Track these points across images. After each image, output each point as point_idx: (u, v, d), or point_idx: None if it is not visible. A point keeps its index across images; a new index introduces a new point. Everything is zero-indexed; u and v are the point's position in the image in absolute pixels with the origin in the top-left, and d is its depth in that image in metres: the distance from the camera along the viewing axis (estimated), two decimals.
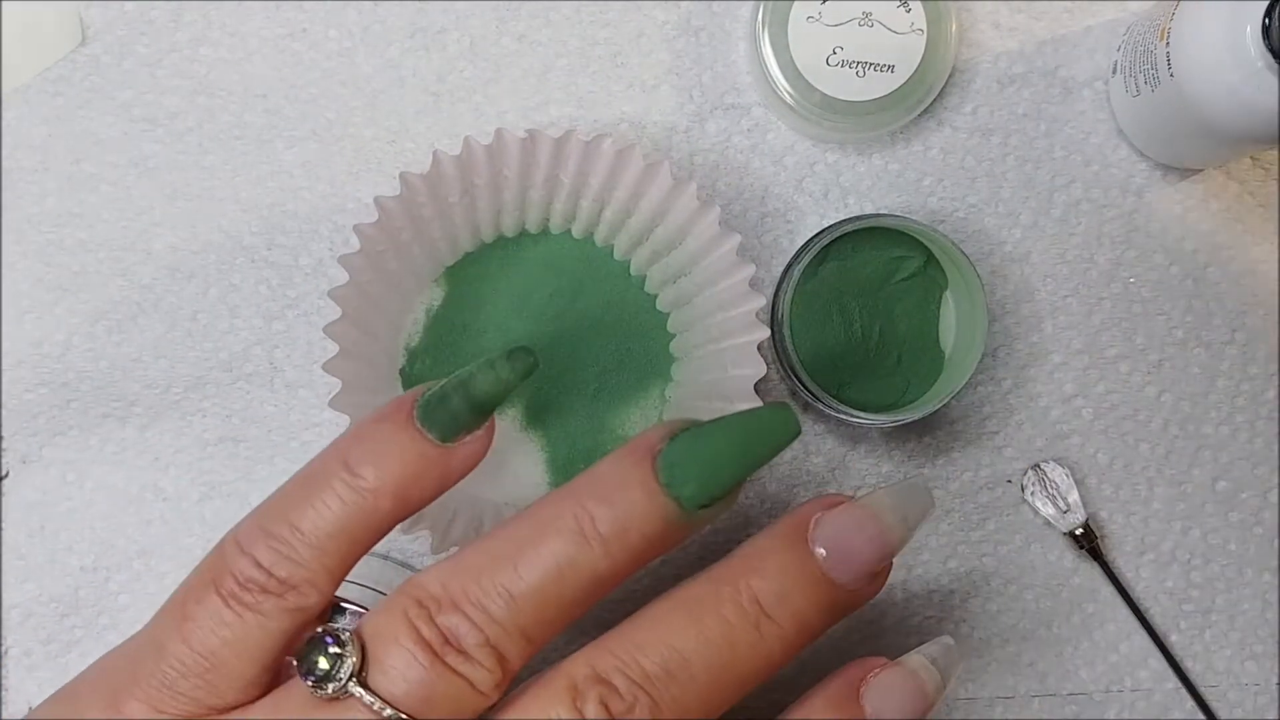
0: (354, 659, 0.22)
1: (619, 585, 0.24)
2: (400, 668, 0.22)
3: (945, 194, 0.39)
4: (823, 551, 0.25)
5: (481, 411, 0.25)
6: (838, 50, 0.36)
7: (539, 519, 0.24)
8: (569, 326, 0.37)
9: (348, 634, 0.23)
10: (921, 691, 0.26)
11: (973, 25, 0.38)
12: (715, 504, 0.24)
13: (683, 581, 0.25)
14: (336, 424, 0.38)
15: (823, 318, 0.37)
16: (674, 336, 0.37)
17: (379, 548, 0.39)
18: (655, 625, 0.24)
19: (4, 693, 0.39)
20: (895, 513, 0.25)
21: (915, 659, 0.26)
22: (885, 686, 0.25)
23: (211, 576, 0.24)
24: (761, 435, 0.24)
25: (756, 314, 0.34)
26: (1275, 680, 0.39)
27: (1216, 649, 0.39)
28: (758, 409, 0.25)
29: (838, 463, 0.38)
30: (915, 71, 0.36)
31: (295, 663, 0.23)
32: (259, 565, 0.23)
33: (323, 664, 0.22)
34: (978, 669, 0.39)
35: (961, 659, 0.26)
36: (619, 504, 0.24)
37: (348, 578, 0.34)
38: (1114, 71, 0.38)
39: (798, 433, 0.25)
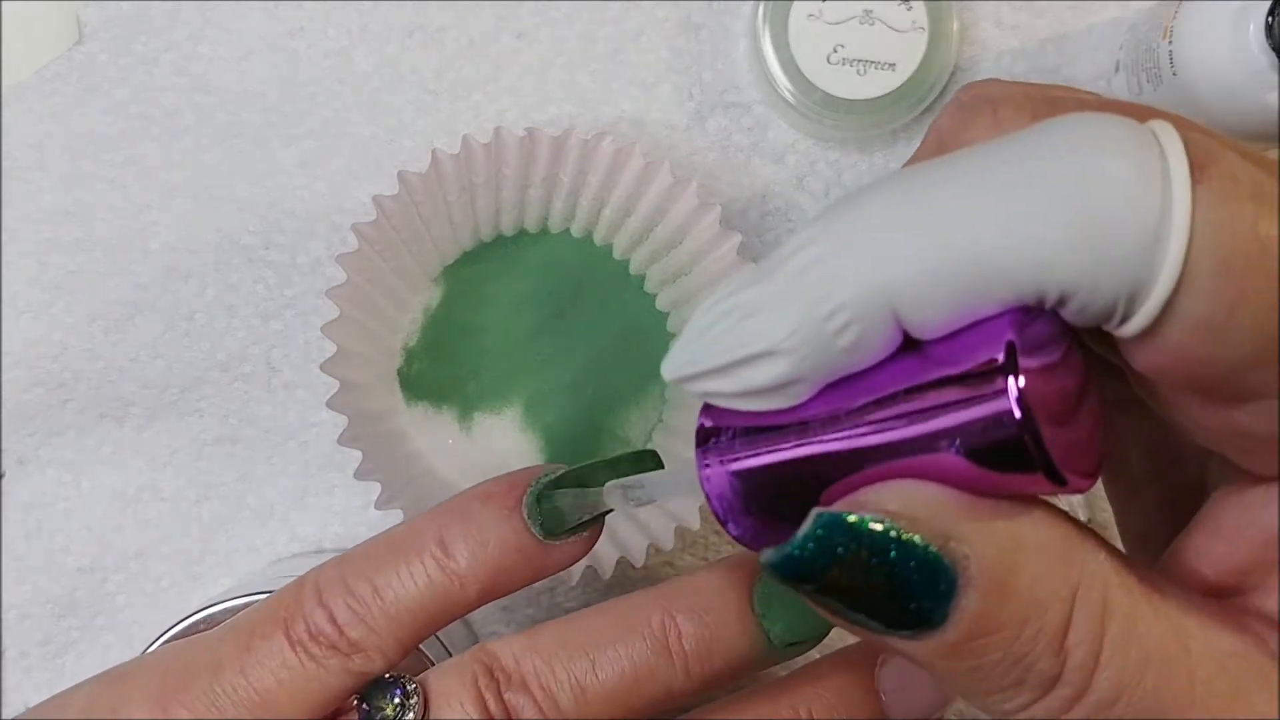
0: (417, 713, 0.23)
1: (687, 705, 0.24)
2: None
3: None
4: (888, 687, 0.24)
5: (595, 516, 0.24)
6: (839, 48, 0.36)
7: (624, 616, 0.23)
8: (568, 326, 0.37)
9: (415, 685, 0.23)
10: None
11: (974, 23, 0.38)
12: (804, 644, 0.24)
13: (745, 691, 0.24)
14: (335, 424, 0.38)
15: None
16: (674, 336, 0.37)
17: None
18: None
19: (1, 694, 0.38)
20: None
21: None
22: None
23: (284, 615, 0.23)
24: None
25: None
26: None
27: None
28: None
29: None
30: (917, 70, 0.36)
31: (357, 701, 0.23)
32: (333, 620, 0.23)
33: (388, 711, 0.23)
34: None
35: None
36: (710, 624, 0.23)
37: None
38: (1116, 70, 0.38)
39: None
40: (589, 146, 0.33)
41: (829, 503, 0.18)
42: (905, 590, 0.17)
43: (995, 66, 0.38)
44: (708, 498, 0.19)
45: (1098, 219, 0.15)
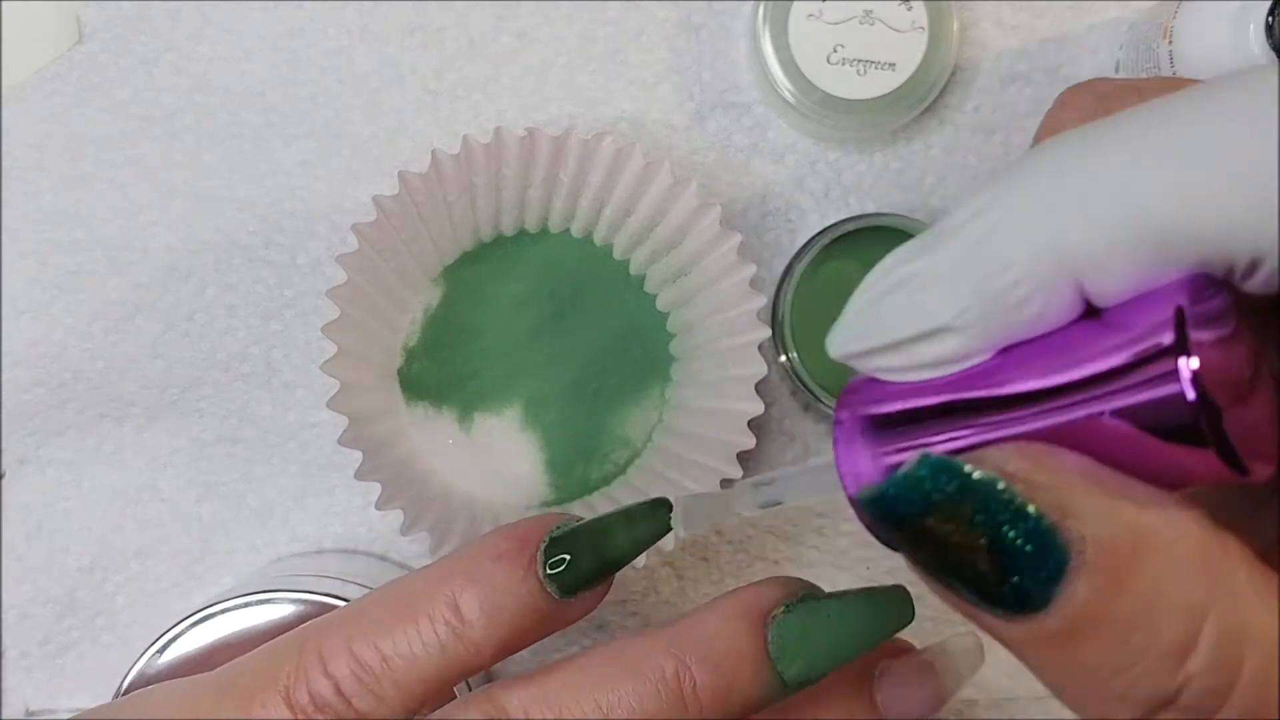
0: None
1: None
2: None
3: (947, 193, 0.38)
4: (883, 701, 0.24)
5: (611, 571, 0.23)
6: (838, 48, 0.36)
7: (636, 663, 0.22)
8: (568, 326, 0.37)
9: None
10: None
11: (974, 23, 0.38)
12: (814, 682, 0.23)
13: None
14: (335, 424, 0.38)
15: (823, 317, 0.37)
16: (674, 336, 0.37)
17: (377, 547, 0.39)
18: None
19: (1, 694, 0.38)
20: (955, 673, 0.25)
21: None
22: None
23: (285, 682, 0.22)
24: (881, 624, 0.23)
25: (757, 314, 0.34)
26: None
27: None
28: (878, 593, 0.23)
29: None
30: (916, 69, 0.36)
31: None
32: (339, 692, 0.22)
33: None
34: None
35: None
36: (726, 673, 0.22)
37: (345, 577, 0.34)
38: (1116, 70, 0.38)
39: (911, 619, 0.23)
40: (589, 146, 0.33)
41: None
42: (1009, 561, 0.15)
43: (995, 66, 0.38)
44: (851, 500, 0.18)
45: None
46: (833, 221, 0.36)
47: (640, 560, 0.33)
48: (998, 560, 0.15)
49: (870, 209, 0.38)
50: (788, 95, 0.36)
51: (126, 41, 0.38)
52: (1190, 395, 0.15)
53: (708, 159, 0.38)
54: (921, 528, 0.16)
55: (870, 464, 0.17)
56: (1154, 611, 0.15)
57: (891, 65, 0.36)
